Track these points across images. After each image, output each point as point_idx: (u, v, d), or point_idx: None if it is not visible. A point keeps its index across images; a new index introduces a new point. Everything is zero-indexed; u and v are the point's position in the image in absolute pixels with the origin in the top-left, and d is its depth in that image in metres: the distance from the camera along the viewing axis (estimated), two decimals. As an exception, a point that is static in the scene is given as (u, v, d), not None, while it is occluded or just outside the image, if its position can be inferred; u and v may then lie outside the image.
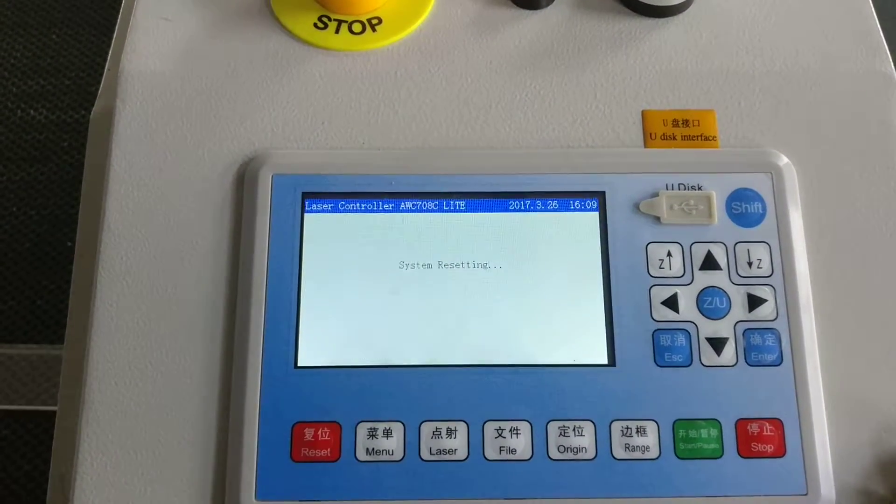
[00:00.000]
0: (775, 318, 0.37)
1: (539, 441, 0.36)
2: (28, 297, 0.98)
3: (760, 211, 0.39)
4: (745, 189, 0.39)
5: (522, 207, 0.39)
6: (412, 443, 0.36)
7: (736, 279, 0.38)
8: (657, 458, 0.36)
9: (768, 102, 0.41)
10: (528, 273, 0.38)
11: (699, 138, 0.41)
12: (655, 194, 0.39)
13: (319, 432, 0.36)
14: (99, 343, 0.38)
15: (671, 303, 0.38)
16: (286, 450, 0.36)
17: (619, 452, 0.36)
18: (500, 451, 0.36)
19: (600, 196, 0.39)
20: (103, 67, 0.46)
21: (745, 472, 0.36)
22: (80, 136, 1.08)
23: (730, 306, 0.38)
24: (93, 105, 0.44)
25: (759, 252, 0.38)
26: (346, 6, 0.42)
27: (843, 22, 0.43)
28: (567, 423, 0.36)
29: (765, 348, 0.37)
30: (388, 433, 0.36)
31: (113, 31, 0.46)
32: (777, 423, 0.36)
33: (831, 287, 0.39)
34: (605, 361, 0.37)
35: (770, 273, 0.38)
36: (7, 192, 1.05)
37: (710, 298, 0.38)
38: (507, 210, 0.39)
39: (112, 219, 0.39)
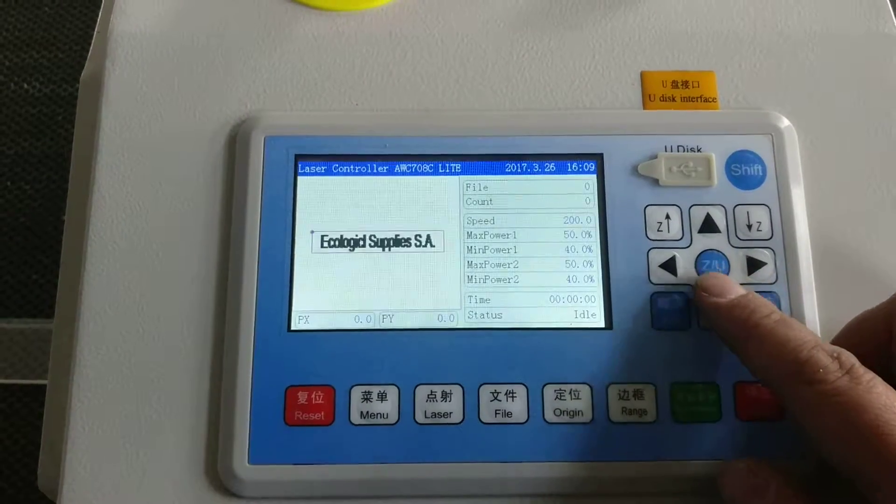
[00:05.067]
0: (775, 282, 0.37)
1: (535, 404, 0.36)
2: (23, 271, 0.98)
3: (760, 173, 0.38)
4: (745, 151, 0.39)
5: (519, 170, 0.38)
6: (407, 406, 0.35)
7: (735, 242, 0.38)
8: (655, 421, 0.35)
9: (769, 64, 0.41)
10: (525, 236, 0.38)
11: (699, 100, 0.40)
12: (654, 156, 0.38)
13: (313, 396, 0.36)
14: (89, 307, 0.37)
15: (669, 266, 0.37)
16: (279, 413, 0.35)
17: (617, 415, 0.35)
18: (496, 414, 0.35)
19: (598, 158, 0.39)
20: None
21: (743, 435, 0.35)
22: (74, 109, 1.07)
23: (729, 269, 0.37)
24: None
25: (759, 215, 0.38)
26: (340, -34, 0.42)
27: (846, -19, 0.42)
28: (563, 387, 0.36)
29: (764, 311, 0.36)
30: (382, 396, 0.36)
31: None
32: (776, 386, 0.36)
33: (831, 250, 0.38)
34: (603, 325, 0.37)
35: (770, 236, 0.38)
36: (1, 166, 1.04)
37: (708, 261, 0.37)
38: (503, 173, 0.38)
39: (102, 181, 0.39)
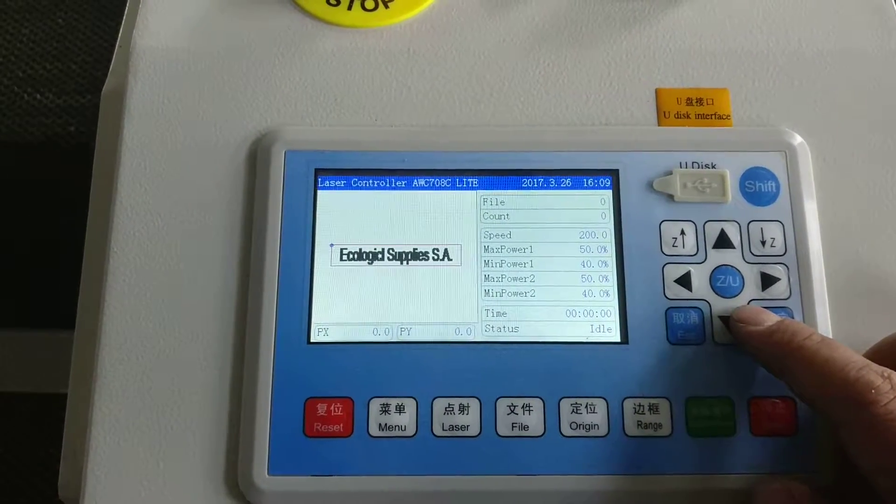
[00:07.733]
0: (788, 297, 0.37)
1: (551, 418, 0.36)
2: (40, 281, 0.98)
3: (774, 190, 0.39)
4: (759, 168, 0.39)
5: (536, 185, 0.39)
6: (425, 419, 0.36)
7: (749, 258, 0.38)
8: (669, 435, 0.36)
9: (782, 81, 0.41)
10: (541, 250, 0.38)
11: (713, 117, 0.40)
12: (669, 172, 0.39)
13: (332, 407, 0.36)
14: (111, 318, 0.38)
15: (684, 281, 0.38)
16: (299, 425, 0.36)
17: (632, 429, 0.36)
18: (513, 427, 0.36)
19: (614, 174, 0.39)
20: (110, 51, 0.46)
21: (757, 450, 0.36)
22: (87, 120, 1.08)
23: (743, 285, 0.38)
24: (100, 89, 0.44)
25: (773, 231, 0.38)
26: (359, -17, 0.42)
27: (859, 1, 0.42)
28: (580, 401, 0.36)
29: (778, 326, 0.37)
30: (400, 409, 0.36)
31: (120, 15, 0.46)
32: (789, 401, 0.36)
33: (844, 266, 0.38)
34: (618, 339, 0.37)
35: (783, 252, 0.38)
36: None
37: (723, 277, 0.38)
38: (520, 188, 0.39)
39: (124, 195, 0.39)
